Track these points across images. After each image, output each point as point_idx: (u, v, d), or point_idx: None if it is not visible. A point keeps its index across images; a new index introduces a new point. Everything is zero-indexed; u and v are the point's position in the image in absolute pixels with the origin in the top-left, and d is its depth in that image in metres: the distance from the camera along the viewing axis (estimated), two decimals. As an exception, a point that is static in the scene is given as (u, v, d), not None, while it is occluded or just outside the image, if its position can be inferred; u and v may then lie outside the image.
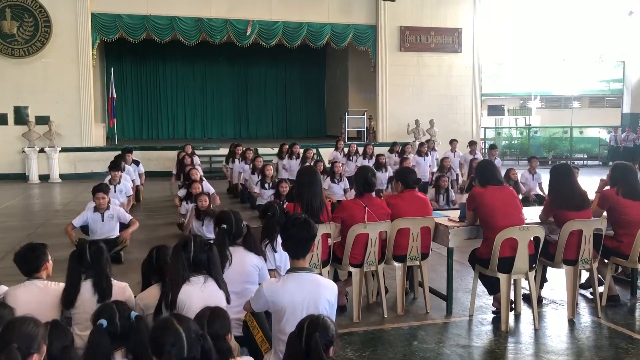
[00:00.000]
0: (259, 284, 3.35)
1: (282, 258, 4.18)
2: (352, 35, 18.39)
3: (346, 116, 19.29)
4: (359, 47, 18.76)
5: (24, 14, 15.58)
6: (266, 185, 9.93)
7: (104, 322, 2.62)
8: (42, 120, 15.59)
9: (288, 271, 3.21)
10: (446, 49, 19.25)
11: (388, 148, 13.92)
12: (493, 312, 5.04)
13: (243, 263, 3.80)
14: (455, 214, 5.36)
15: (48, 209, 11.37)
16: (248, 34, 17.38)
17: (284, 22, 17.74)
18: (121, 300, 3.05)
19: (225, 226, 3.83)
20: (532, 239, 4.73)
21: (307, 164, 11.58)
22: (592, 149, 22.56)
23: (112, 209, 6.86)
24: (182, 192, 8.93)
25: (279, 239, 4.06)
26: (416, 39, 18.90)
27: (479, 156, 12.86)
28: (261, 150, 15.69)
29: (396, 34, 18.73)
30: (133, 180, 10.77)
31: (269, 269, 4.03)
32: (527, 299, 5.12)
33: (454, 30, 19.26)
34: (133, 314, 2.75)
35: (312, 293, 3.06)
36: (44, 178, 15.40)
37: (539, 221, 5.16)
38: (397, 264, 5.09)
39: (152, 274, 3.66)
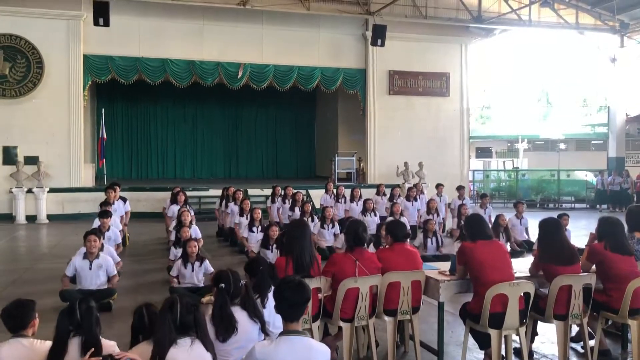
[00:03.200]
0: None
1: (271, 314, 4.13)
2: (341, 79, 18.66)
3: (336, 158, 19.42)
4: (348, 90, 19.02)
5: (16, 55, 15.69)
6: (254, 229, 9.88)
7: None
8: (31, 160, 15.53)
9: (281, 334, 3.19)
10: (434, 92, 19.60)
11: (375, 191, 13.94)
12: (484, 367, 5.00)
13: (241, 325, 3.76)
14: (446, 265, 5.37)
15: (34, 252, 11.19)
16: (239, 76, 17.59)
17: (274, 66, 17.97)
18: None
19: (223, 285, 3.81)
20: (522, 294, 4.74)
21: (297, 207, 11.62)
22: (580, 192, 22.73)
23: (101, 258, 6.73)
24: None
25: (269, 295, 4.04)
26: (405, 83, 19.23)
27: (468, 201, 12.92)
28: (251, 192, 15.71)
29: (385, 78, 19.05)
30: (122, 217, 10.65)
31: None
32: (518, 353, 5.09)
33: (442, 74, 19.64)
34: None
35: (305, 358, 3.04)
36: (31, 219, 15.23)
37: (529, 275, 5.17)
38: (387, 318, 5.06)
39: (141, 332, 3.61)
